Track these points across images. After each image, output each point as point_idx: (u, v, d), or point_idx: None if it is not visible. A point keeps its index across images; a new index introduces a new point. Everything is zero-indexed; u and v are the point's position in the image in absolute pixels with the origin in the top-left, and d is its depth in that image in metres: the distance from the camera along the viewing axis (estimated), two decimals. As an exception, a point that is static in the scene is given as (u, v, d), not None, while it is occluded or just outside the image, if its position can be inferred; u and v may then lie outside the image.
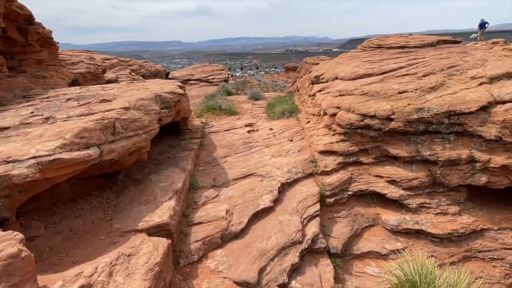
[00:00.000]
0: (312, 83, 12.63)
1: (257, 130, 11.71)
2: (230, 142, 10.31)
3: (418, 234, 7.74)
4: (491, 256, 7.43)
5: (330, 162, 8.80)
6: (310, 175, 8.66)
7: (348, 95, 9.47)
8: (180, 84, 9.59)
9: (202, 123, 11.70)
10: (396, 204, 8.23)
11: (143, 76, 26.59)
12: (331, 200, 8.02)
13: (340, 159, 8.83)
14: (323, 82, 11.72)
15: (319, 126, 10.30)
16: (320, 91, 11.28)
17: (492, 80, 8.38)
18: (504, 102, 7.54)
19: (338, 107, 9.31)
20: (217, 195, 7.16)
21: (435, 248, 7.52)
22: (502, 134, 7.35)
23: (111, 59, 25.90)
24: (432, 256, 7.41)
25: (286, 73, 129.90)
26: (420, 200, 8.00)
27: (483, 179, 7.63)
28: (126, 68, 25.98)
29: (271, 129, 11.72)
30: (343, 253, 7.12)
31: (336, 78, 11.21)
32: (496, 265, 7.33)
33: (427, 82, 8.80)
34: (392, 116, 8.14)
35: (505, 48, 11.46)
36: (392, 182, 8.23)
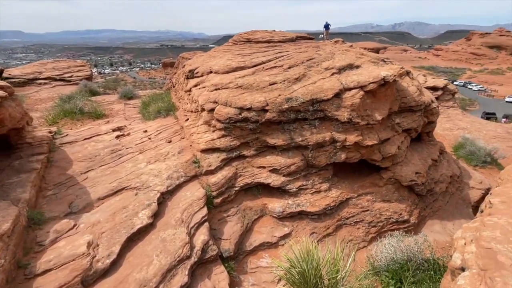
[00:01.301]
0: (187, 78, 11.86)
1: (128, 134, 10.08)
2: (92, 152, 8.41)
3: (300, 215, 8.33)
4: (355, 220, 8.76)
5: (214, 160, 8.37)
6: (194, 177, 7.99)
7: (224, 88, 9.21)
8: None
9: (50, 132, 9.14)
10: (279, 191, 8.60)
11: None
12: (218, 200, 7.61)
13: (223, 156, 8.51)
14: (198, 77, 11.12)
15: (199, 123, 9.70)
16: (195, 86, 10.65)
17: (340, 70, 9.76)
18: (350, 89, 8.86)
19: (215, 102, 8.93)
20: (75, 225, 5.55)
21: (315, 225, 8.26)
22: (352, 116, 8.64)
23: None
24: (313, 232, 8.10)
25: (164, 69, 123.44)
26: (298, 183, 8.61)
27: (343, 156, 8.83)
28: None
29: (145, 131, 10.34)
30: (236, 253, 6.85)
31: (211, 72, 10.82)
32: (359, 227, 8.69)
33: (292, 73, 9.48)
34: (267, 107, 8.35)
35: (344, 45, 13.81)
36: (274, 170, 8.52)
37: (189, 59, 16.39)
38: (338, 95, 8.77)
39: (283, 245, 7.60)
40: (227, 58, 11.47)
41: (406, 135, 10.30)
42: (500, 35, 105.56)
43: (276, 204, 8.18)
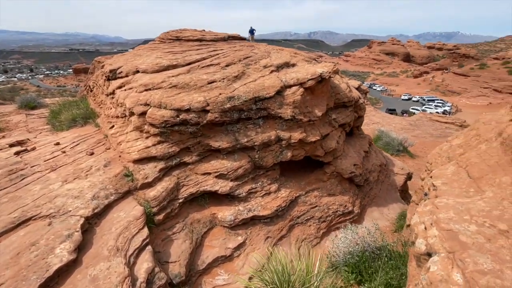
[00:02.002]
0: (108, 79, 10.22)
1: (33, 149, 8.06)
2: (-21, 176, 6.34)
3: (253, 221, 7.82)
4: (306, 218, 8.68)
5: (150, 170, 7.22)
6: (128, 193, 6.73)
7: (156, 89, 8.11)
8: None
9: None
10: (228, 198, 7.94)
11: None
12: (160, 216, 6.54)
13: (161, 165, 7.43)
14: (122, 77, 9.66)
15: (128, 129, 8.35)
16: (120, 87, 9.20)
17: (278, 68, 9.66)
18: (290, 86, 8.78)
19: (147, 104, 7.77)
20: (-47, 280, 3.90)
21: (268, 229, 7.86)
22: (295, 113, 8.56)
23: None
24: (268, 237, 7.68)
25: (76, 75, 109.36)
26: (248, 187, 8.09)
27: (289, 154, 8.68)
28: None
29: (58, 143, 8.44)
30: (188, 276, 5.93)
31: (138, 71, 9.51)
32: (311, 224, 8.64)
33: (231, 71, 8.95)
34: (207, 108, 7.62)
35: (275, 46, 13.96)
36: (221, 176, 7.82)
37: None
38: (279, 92, 8.59)
39: (238, 256, 6.97)
40: (156, 56, 10.29)
41: (342, 130, 10.80)
42: (393, 44, 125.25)
43: (226, 212, 7.50)
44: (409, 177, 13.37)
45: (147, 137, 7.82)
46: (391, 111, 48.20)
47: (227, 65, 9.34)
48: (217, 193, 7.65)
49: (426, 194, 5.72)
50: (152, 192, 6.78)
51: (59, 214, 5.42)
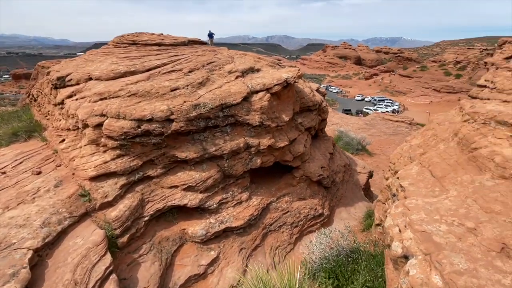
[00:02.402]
0: (55, 87, 9.20)
1: (-37, 171, 6.89)
2: None
3: (226, 233, 7.51)
4: (279, 224, 8.59)
5: (111, 188, 6.57)
6: (85, 215, 6.03)
7: (113, 97, 7.45)
8: None
9: None
10: (198, 211, 7.54)
11: None
12: (124, 239, 5.96)
13: (123, 181, 6.81)
14: (72, 85, 8.73)
15: (82, 143, 7.55)
16: (70, 96, 8.31)
17: (243, 73, 9.49)
18: (257, 92, 8.66)
19: (103, 115, 7.08)
20: None
21: (242, 240, 7.61)
22: (262, 119, 8.44)
23: None
24: (242, 249, 7.43)
25: (16, 82, 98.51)
26: (218, 197, 7.77)
27: (258, 161, 8.53)
28: None
29: (-5, 163, 7.33)
30: (159, 301, 5.46)
31: (91, 79, 8.68)
32: (283, 231, 8.57)
33: (195, 77, 8.57)
34: (172, 117, 7.17)
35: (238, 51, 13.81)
36: (189, 188, 7.40)
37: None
38: (246, 98, 8.42)
39: (212, 272, 6.62)
40: (110, 61, 9.51)
41: (308, 134, 10.96)
42: (345, 48, 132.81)
43: (197, 227, 7.10)
44: (370, 175, 14.05)
45: (105, 151, 7.13)
46: (347, 111, 50.94)
47: (190, 71, 8.94)
48: (186, 207, 7.22)
49: (394, 195, 5.93)
50: (113, 212, 6.15)
51: (0, 249, 4.62)
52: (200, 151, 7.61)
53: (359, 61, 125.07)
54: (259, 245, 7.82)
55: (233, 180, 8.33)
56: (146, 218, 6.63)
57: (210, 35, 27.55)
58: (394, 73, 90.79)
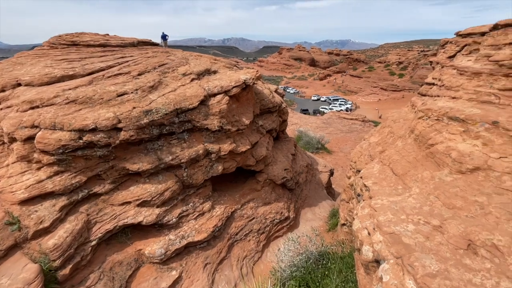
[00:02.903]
0: (-26, 96, 7.75)
1: None
2: None
3: (188, 248, 6.92)
4: (245, 233, 8.21)
5: (47, 211, 5.62)
6: (14, 248, 5.04)
7: (47, 106, 6.45)
8: None
9: None
10: (156, 228, 6.86)
11: None
12: (66, 270, 5.09)
13: (62, 201, 5.87)
14: (-5, 92, 7.43)
15: (9, 160, 6.41)
16: (-8, 106, 7.04)
17: (199, 76, 8.96)
18: (215, 95, 8.19)
19: (34, 126, 6.06)
20: None
21: (207, 254, 7.08)
22: (222, 123, 8.00)
23: None
24: (207, 264, 6.90)
25: None
26: (177, 210, 7.15)
27: (220, 168, 8.07)
28: None
29: None
30: None
31: (19, 84, 7.48)
32: (250, 239, 8.20)
33: (145, 81, 7.84)
34: (120, 125, 6.39)
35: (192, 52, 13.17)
36: (144, 203, 6.68)
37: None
38: (203, 102, 7.92)
39: (175, 295, 6.00)
40: (44, 64, 8.32)
41: (269, 136, 10.76)
42: (300, 50, 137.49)
43: (155, 246, 6.41)
44: (331, 173, 14.34)
45: (38, 168, 6.11)
46: (305, 111, 52.59)
47: (139, 74, 8.17)
48: (141, 225, 6.50)
49: (359, 195, 5.90)
50: (51, 240, 5.25)
51: None
52: (155, 161, 6.93)
53: (313, 63, 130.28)
54: (225, 258, 7.35)
55: (194, 190, 7.76)
56: (94, 243, 5.79)
57: (164, 36, 26.30)
58: (345, 74, 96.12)
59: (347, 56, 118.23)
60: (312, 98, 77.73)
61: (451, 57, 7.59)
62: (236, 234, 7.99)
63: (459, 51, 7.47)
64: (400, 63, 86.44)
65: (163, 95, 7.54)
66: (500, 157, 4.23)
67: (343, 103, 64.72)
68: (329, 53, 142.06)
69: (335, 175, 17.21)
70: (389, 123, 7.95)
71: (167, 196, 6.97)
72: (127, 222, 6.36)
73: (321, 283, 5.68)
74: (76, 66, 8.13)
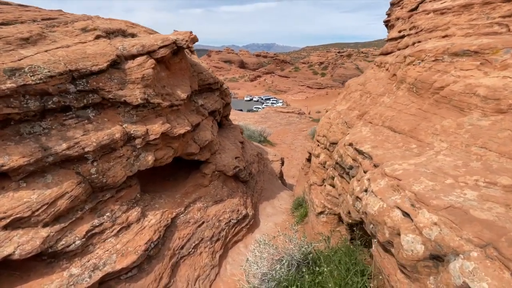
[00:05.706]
0: None
1: None
2: None
3: (107, 283, 4.38)
4: (194, 244, 5.96)
5: None
6: None
7: None
8: None
9: None
10: (45, 261, 4.15)
11: None
12: None
13: None
14: None
15: None
16: None
17: (109, 34, 6.39)
18: (134, 57, 5.79)
19: None
20: None
21: (138, 285, 4.65)
22: (147, 95, 5.64)
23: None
24: (139, 302, 4.49)
25: None
26: (85, 227, 4.56)
27: (150, 159, 5.69)
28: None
29: None
30: None
31: None
32: (202, 251, 5.99)
33: (14, 31, 4.98)
34: (-46, 90, 3.57)
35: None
36: (18, 222, 3.95)
37: None
38: (116, 65, 5.47)
39: None
40: None
41: (213, 119, 8.69)
42: (228, 53, 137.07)
43: (41, 292, 3.76)
44: (282, 162, 12.97)
45: None
46: (239, 111, 51.63)
47: (3, 24, 5.23)
48: (14, 260, 3.76)
49: (351, 168, 4.34)
50: None
51: None
52: (36, 152, 4.24)
53: (242, 65, 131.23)
54: (168, 285, 5.03)
55: (111, 194, 5.22)
56: None
57: None
58: (274, 74, 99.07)
59: (274, 58, 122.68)
60: (245, 98, 77.85)
61: (413, 9, 6.77)
62: (182, 248, 5.71)
63: (420, 3, 6.69)
64: (322, 63, 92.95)
65: (45, 51, 4.84)
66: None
67: (275, 102, 66.21)
68: (257, 55, 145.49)
69: (287, 165, 16.02)
70: (355, 87, 6.75)
71: (64, 206, 4.34)
72: (-20, 260, 3.56)
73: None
74: None
